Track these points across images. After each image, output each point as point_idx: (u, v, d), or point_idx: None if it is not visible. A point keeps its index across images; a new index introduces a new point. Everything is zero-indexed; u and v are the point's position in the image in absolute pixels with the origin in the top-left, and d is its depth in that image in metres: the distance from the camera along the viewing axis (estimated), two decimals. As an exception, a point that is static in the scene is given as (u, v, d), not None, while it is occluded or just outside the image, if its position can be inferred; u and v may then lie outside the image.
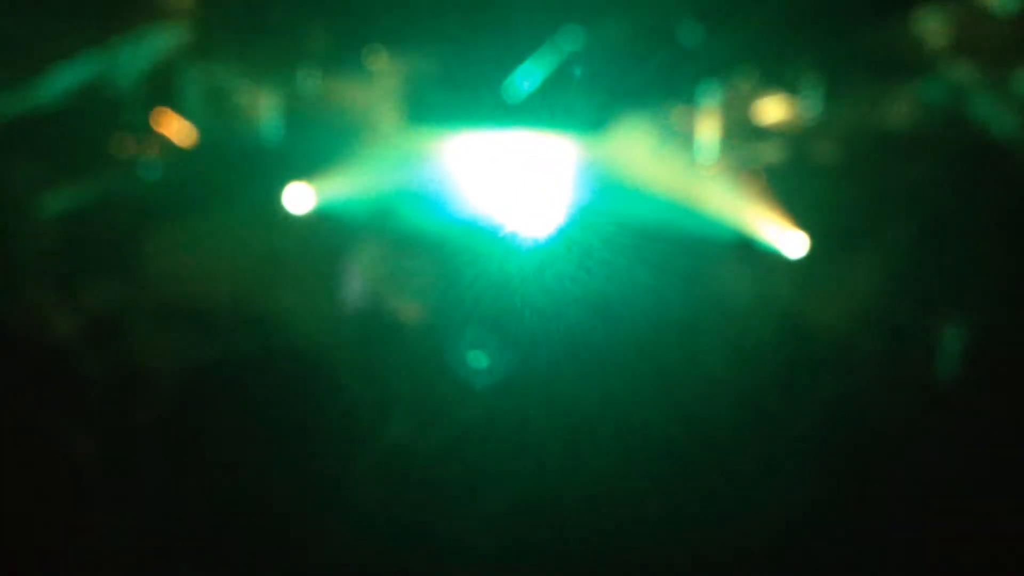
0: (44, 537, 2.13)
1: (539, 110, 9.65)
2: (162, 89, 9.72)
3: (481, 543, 2.42)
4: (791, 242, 10.97)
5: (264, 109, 10.21)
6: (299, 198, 11.00)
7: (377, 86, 10.13)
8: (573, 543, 2.38)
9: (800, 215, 10.82)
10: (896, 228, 10.11)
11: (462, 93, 9.65)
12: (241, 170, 10.43)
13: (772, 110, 10.31)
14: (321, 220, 10.85)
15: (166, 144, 10.29)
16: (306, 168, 10.78)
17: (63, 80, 8.80)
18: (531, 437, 2.74)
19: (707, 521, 2.56)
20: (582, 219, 11.28)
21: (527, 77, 8.81)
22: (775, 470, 3.05)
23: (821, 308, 9.32)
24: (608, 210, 10.77)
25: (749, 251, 10.66)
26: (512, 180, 11.27)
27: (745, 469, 3.60)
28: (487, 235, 11.50)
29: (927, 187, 9.88)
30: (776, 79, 9.93)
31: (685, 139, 10.89)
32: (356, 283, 10.20)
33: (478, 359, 4.80)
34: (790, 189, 10.68)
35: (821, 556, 2.48)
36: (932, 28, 8.98)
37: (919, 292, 9.25)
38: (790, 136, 10.49)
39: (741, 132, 10.56)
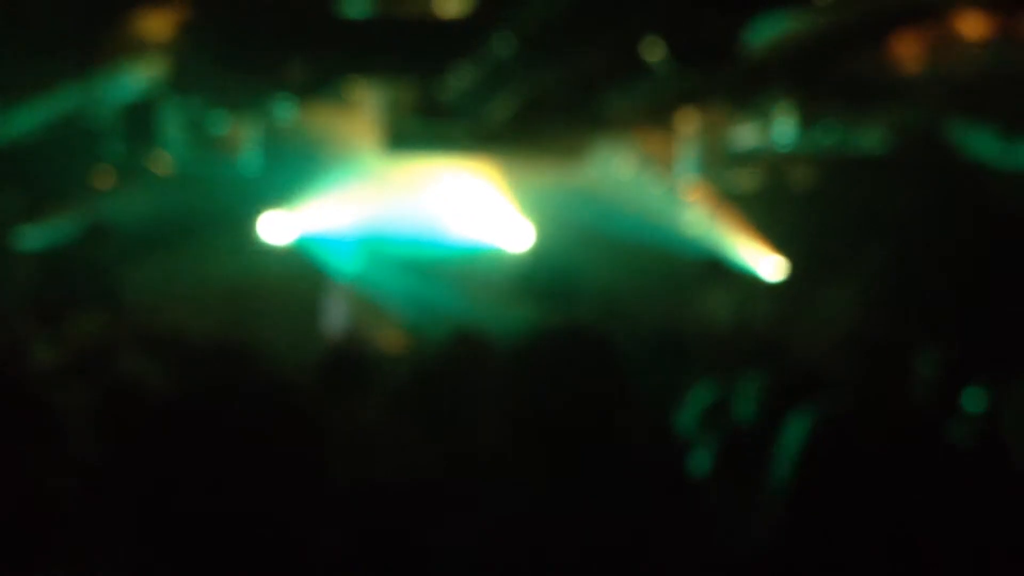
0: (22, 568, 2.14)
1: (518, 137, 9.71)
2: (143, 121, 9.74)
3: (456, 573, 2.43)
4: (769, 266, 11.04)
5: (243, 140, 10.24)
6: (277, 228, 11.04)
7: (355, 116, 10.18)
8: (550, 571, 2.39)
9: (777, 240, 10.89)
10: (872, 252, 10.17)
11: (441, 121, 9.70)
12: (220, 201, 10.46)
13: (749, 136, 10.39)
14: (299, 249, 10.89)
15: (147, 175, 10.32)
16: (285, 198, 10.83)
17: (44, 113, 8.82)
18: (509, 463, 2.76)
19: (684, 544, 2.57)
20: (561, 245, 11.34)
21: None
22: (754, 495, 3.07)
23: (798, 331, 9.37)
24: (587, 235, 10.82)
25: (727, 275, 10.73)
26: (491, 207, 11.32)
27: (721, 491, 3.63)
28: (465, 260, 11.56)
29: (902, 212, 9.95)
30: (753, 106, 10.00)
31: (664, 165, 10.96)
32: (334, 310, 10.23)
33: (457, 383, 4.82)
34: (767, 214, 10.76)
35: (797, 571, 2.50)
36: (907, 56, 9.06)
37: (894, 315, 9.31)
38: (767, 162, 10.57)
39: (719, 158, 10.63)
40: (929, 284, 9.41)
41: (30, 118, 8.85)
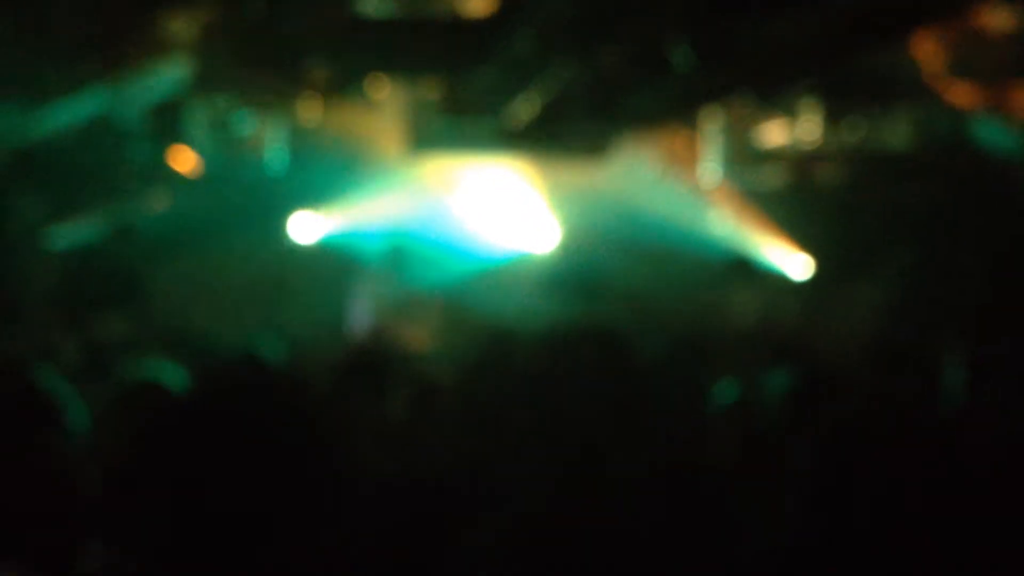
0: (43, 562, 2.16)
1: (542, 136, 9.71)
2: (168, 122, 9.78)
3: (472, 572, 2.44)
4: (794, 265, 11.00)
5: (269, 140, 10.28)
6: (305, 227, 11.08)
7: (379, 115, 10.21)
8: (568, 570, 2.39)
9: (802, 239, 10.85)
10: (897, 251, 10.12)
11: (465, 120, 9.71)
12: (247, 200, 10.50)
13: (774, 134, 10.36)
14: (325, 249, 10.92)
15: (173, 176, 10.36)
16: (311, 197, 10.86)
17: (71, 114, 8.87)
18: (530, 465, 2.76)
19: (704, 547, 2.57)
20: (586, 244, 11.34)
21: None
22: (772, 497, 3.06)
23: (824, 330, 9.33)
24: (611, 235, 10.81)
25: (752, 274, 10.69)
26: (515, 206, 11.33)
27: (745, 491, 3.62)
28: (490, 261, 11.57)
29: (928, 210, 9.90)
30: (777, 104, 9.98)
31: (688, 164, 10.94)
32: (360, 309, 10.25)
33: (482, 385, 4.82)
34: (792, 212, 10.72)
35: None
36: (931, 53, 9.02)
37: (920, 315, 9.26)
38: (792, 160, 10.54)
39: (743, 156, 10.61)
40: (955, 284, 9.36)
41: (57, 119, 8.90)
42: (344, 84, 9.35)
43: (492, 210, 11.01)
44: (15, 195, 9.63)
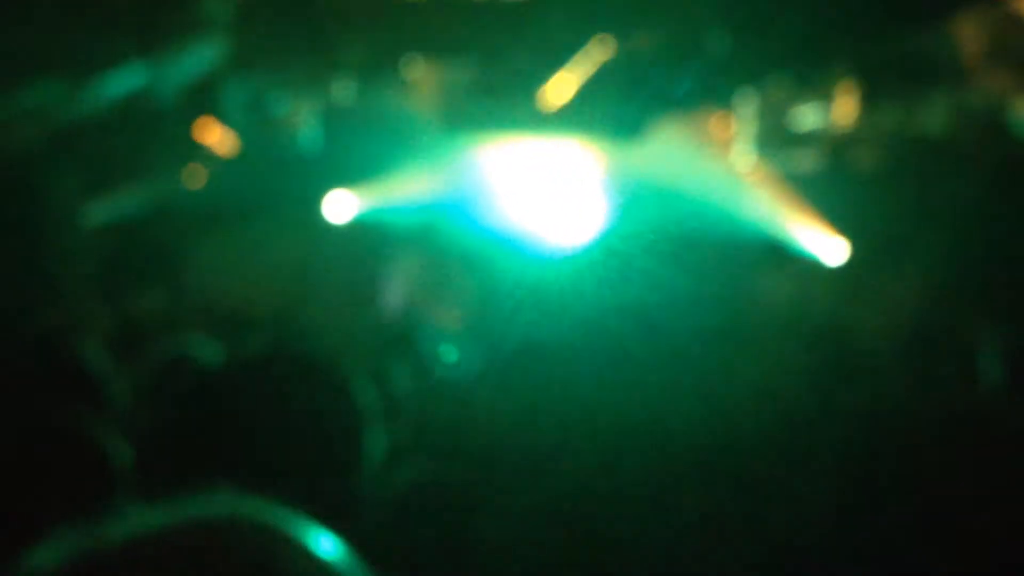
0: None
1: (576, 117, 9.70)
2: (204, 100, 9.83)
3: (498, 556, 2.44)
4: (829, 249, 10.95)
5: (304, 118, 10.31)
6: (339, 206, 11.11)
7: (414, 95, 10.22)
8: (600, 554, 2.40)
9: (837, 222, 10.79)
10: (934, 236, 10.07)
11: (499, 101, 9.71)
12: (282, 179, 10.54)
13: (809, 117, 10.31)
14: (360, 228, 10.95)
15: (208, 154, 10.41)
16: (346, 176, 10.89)
17: (108, 91, 8.92)
18: (563, 447, 2.77)
19: (735, 529, 2.57)
20: (619, 226, 11.30)
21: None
22: (806, 479, 3.05)
23: (858, 315, 9.30)
24: (645, 217, 10.78)
25: (787, 258, 10.65)
26: (549, 187, 11.31)
27: (776, 477, 3.62)
28: (524, 243, 11.56)
29: (965, 194, 9.84)
30: (813, 86, 9.93)
31: (722, 146, 10.90)
32: (394, 287, 10.29)
33: (511, 368, 4.83)
34: (827, 196, 10.67)
35: (846, 567, 2.49)
36: (970, 36, 8.95)
37: (956, 301, 9.21)
38: (827, 143, 10.48)
39: (778, 139, 10.56)
40: (991, 269, 9.30)
41: (95, 97, 8.95)
42: (379, 63, 9.37)
43: (525, 191, 11.01)
44: (54, 172, 9.70)
